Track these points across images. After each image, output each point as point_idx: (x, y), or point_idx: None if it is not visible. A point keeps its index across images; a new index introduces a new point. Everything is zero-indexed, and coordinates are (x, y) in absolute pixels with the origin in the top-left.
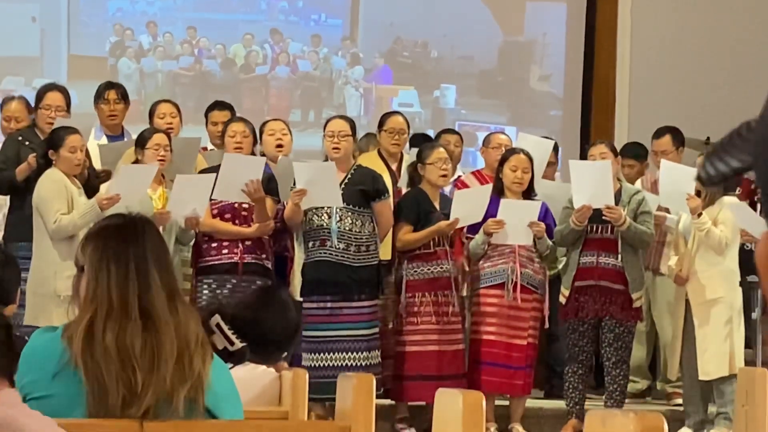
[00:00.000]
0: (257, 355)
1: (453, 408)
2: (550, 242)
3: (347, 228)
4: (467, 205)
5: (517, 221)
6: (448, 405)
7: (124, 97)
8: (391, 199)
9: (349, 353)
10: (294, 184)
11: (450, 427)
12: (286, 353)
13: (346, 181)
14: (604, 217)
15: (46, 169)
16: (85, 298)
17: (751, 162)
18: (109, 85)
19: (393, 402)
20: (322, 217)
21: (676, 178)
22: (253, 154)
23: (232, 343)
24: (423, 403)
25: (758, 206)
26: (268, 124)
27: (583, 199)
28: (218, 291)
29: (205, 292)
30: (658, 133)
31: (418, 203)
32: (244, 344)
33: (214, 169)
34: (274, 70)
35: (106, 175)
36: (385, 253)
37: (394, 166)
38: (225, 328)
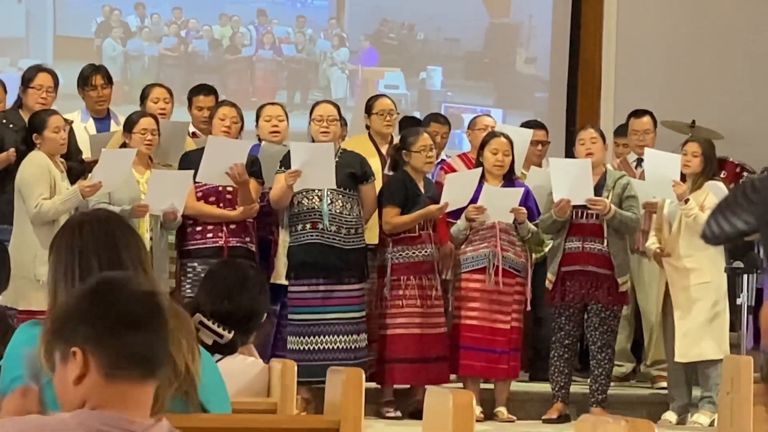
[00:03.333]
0: (243, 335)
1: (443, 408)
2: (531, 226)
3: (338, 211)
4: (458, 189)
5: (499, 206)
6: (437, 405)
7: (109, 80)
8: (379, 183)
9: (338, 336)
10: (280, 167)
11: (440, 426)
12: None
13: (335, 164)
14: (588, 210)
15: (27, 153)
16: (50, 312)
17: (755, 225)
18: (94, 69)
19: (378, 386)
20: (313, 200)
21: (660, 165)
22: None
23: (221, 336)
24: (408, 386)
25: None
26: (265, 109)
27: (562, 194)
28: (203, 275)
29: (190, 275)
30: (638, 114)
31: (405, 186)
32: (232, 333)
33: (200, 151)
34: (259, 51)
35: (95, 165)
36: (372, 237)
37: (384, 149)
38: (209, 323)
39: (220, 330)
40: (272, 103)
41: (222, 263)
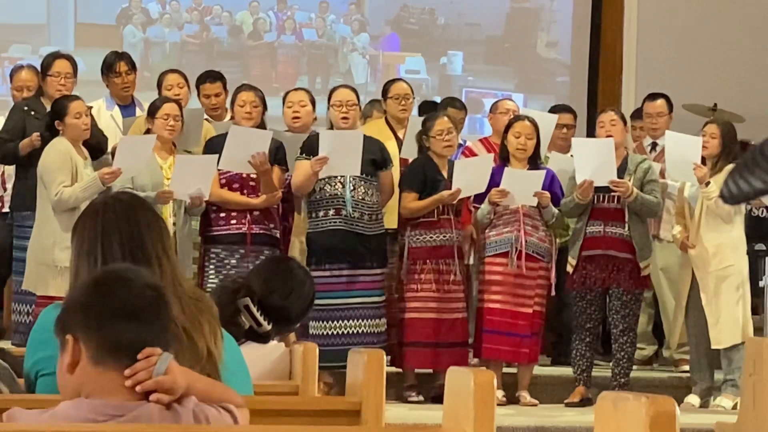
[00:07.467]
0: (278, 331)
1: (464, 387)
2: (555, 210)
3: (360, 197)
4: (469, 175)
5: (522, 189)
6: (458, 384)
7: (132, 66)
8: (397, 168)
9: (359, 320)
10: (300, 153)
11: (461, 405)
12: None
13: None
14: (612, 192)
15: (51, 140)
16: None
17: None
18: (118, 56)
19: (400, 370)
20: (336, 186)
21: (681, 148)
22: (263, 122)
23: (260, 325)
24: (430, 370)
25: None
26: (288, 95)
27: (585, 175)
28: (226, 261)
29: (213, 261)
30: (652, 97)
31: (424, 171)
32: (271, 326)
33: (223, 137)
34: (280, 37)
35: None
36: (392, 221)
37: (401, 134)
38: (254, 310)
39: (261, 319)
40: (296, 89)
41: (289, 259)
